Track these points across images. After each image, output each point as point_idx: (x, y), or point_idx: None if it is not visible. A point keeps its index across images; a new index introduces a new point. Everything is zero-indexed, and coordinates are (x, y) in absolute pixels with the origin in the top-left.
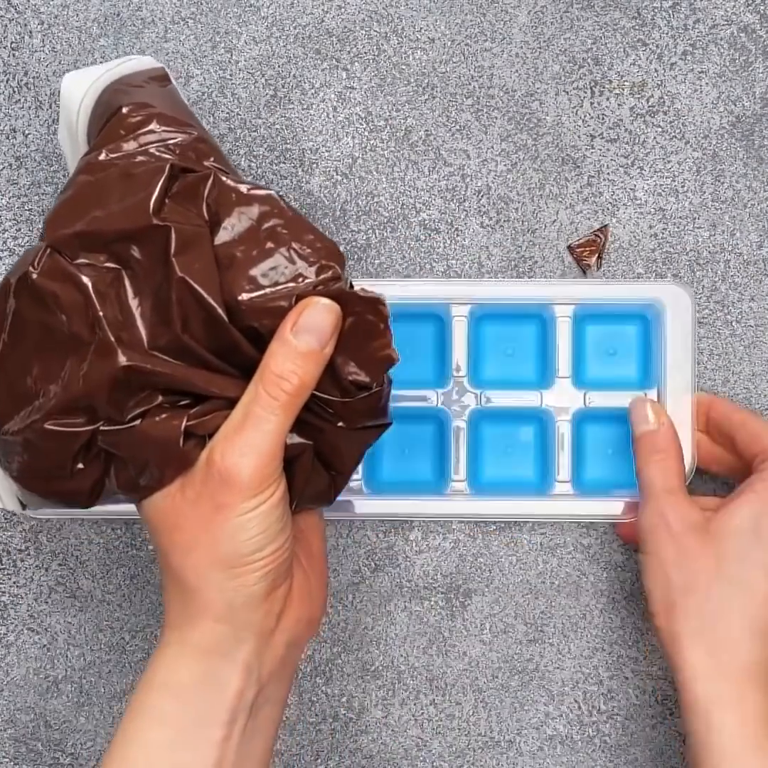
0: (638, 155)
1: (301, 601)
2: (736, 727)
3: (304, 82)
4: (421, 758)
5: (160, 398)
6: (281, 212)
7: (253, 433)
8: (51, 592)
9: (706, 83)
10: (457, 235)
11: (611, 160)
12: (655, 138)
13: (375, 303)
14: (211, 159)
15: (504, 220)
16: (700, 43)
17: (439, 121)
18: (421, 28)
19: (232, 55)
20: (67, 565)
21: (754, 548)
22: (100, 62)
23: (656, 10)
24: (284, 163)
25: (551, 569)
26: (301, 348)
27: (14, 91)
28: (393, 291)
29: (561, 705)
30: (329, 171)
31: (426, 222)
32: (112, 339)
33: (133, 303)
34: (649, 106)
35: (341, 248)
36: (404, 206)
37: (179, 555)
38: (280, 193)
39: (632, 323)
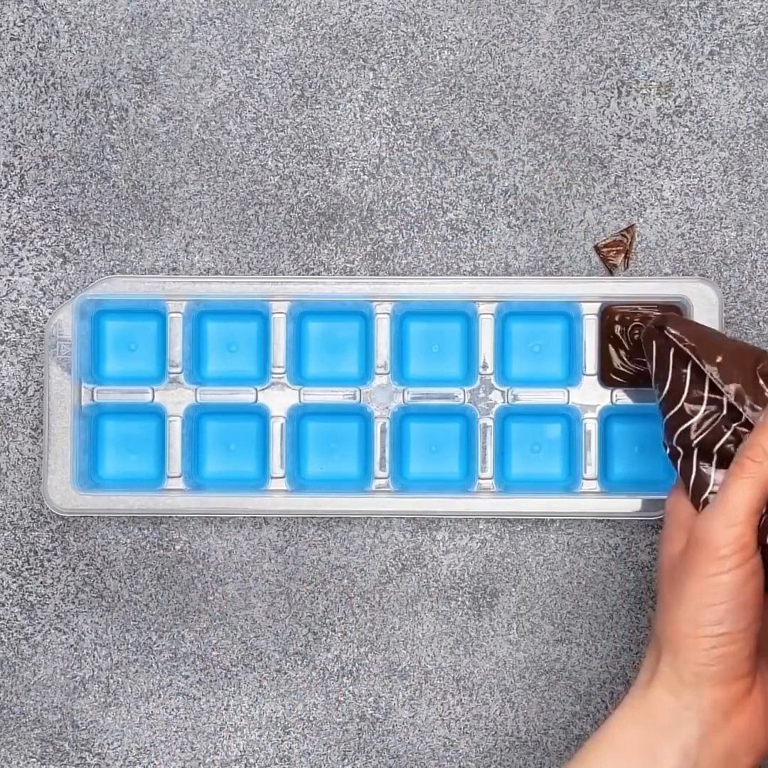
0: (665, 155)
1: (760, 716)
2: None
3: (331, 82)
4: (448, 758)
5: None
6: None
7: (728, 498)
8: (78, 592)
9: (733, 83)
10: (484, 235)
11: (638, 160)
12: (682, 138)
13: None
14: None
15: (531, 220)
16: (727, 43)
17: (466, 121)
18: (448, 28)
19: (259, 55)
20: (94, 565)
21: None
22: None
23: (683, 10)
24: (311, 163)
25: (578, 569)
26: None
27: (41, 91)
28: (421, 289)
29: (588, 705)
30: (356, 171)
31: (453, 222)
32: None
33: None
34: (676, 106)
35: (368, 248)
36: (431, 206)
37: (660, 611)
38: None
39: None
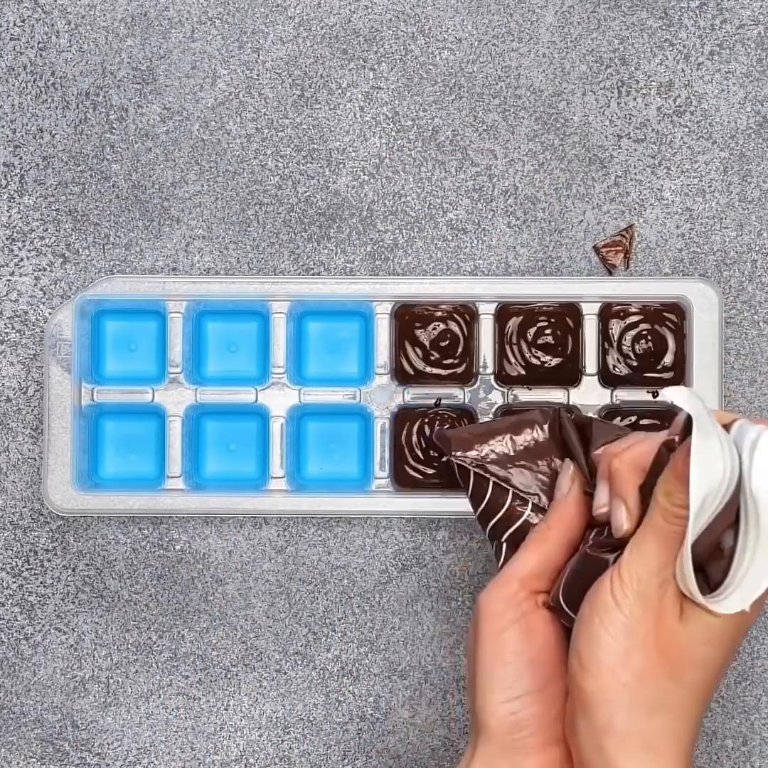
0: (665, 155)
1: None
2: None
3: (331, 82)
4: (448, 758)
5: None
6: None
7: (504, 566)
8: (78, 592)
9: (733, 83)
10: (484, 235)
11: (638, 160)
12: (682, 138)
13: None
14: None
15: (531, 220)
16: (727, 43)
17: (466, 121)
18: (448, 28)
19: (259, 55)
20: (94, 565)
21: None
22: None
23: (683, 10)
24: (311, 163)
25: None
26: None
27: (41, 91)
28: (421, 289)
29: None
30: (356, 171)
31: (453, 222)
32: None
33: None
34: (676, 106)
35: (368, 248)
36: (431, 206)
37: (468, 692)
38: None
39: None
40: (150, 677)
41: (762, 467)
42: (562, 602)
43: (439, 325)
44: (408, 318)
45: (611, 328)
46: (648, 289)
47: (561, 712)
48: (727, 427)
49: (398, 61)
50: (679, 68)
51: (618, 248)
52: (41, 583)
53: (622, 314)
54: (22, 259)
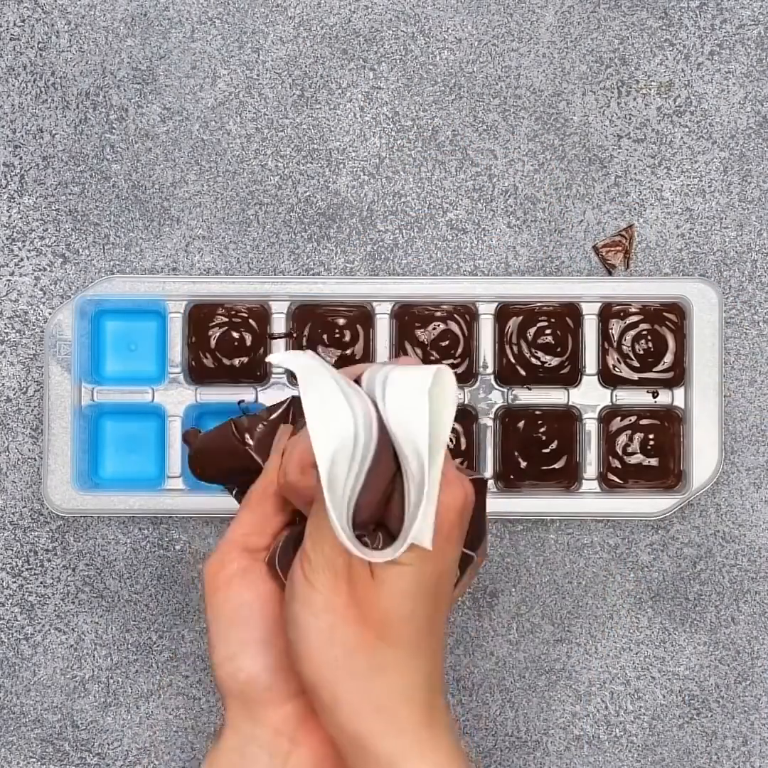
0: (665, 155)
1: (325, 744)
2: None
3: (331, 82)
4: None
5: None
6: None
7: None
8: (78, 592)
9: (733, 83)
10: (484, 235)
11: (638, 160)
12: (682, 138)
13: None
14: None
15: (531, 220)
16: (727, 43)
17: (466, 121)
18: (448, 28)
19: (259, 55)
20: (94, 565)
21: None
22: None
23: (683, 10)
24: (311, 163)
25: (578, 569)
26: None
27: (41, 91)
28: (421, 289)
29: (588, 705)
30: (356, 171)
31: (453, 222)
32: None
33: None
34: (676, 106)
35: (368, 248)
36: (431, 206)
37: None
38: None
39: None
40: (150, 677)
41: (393, 402)
42: (277, 566)
43: (439, 325)
44: (408, 318)
45: (611, 328)
46: (648, 289)
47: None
48: (359, 381)
49: (398, 61)
50: (679, 68)
51: (618, 248)
52: (41, 583)
53: (622, 314)
54: (22, 259)
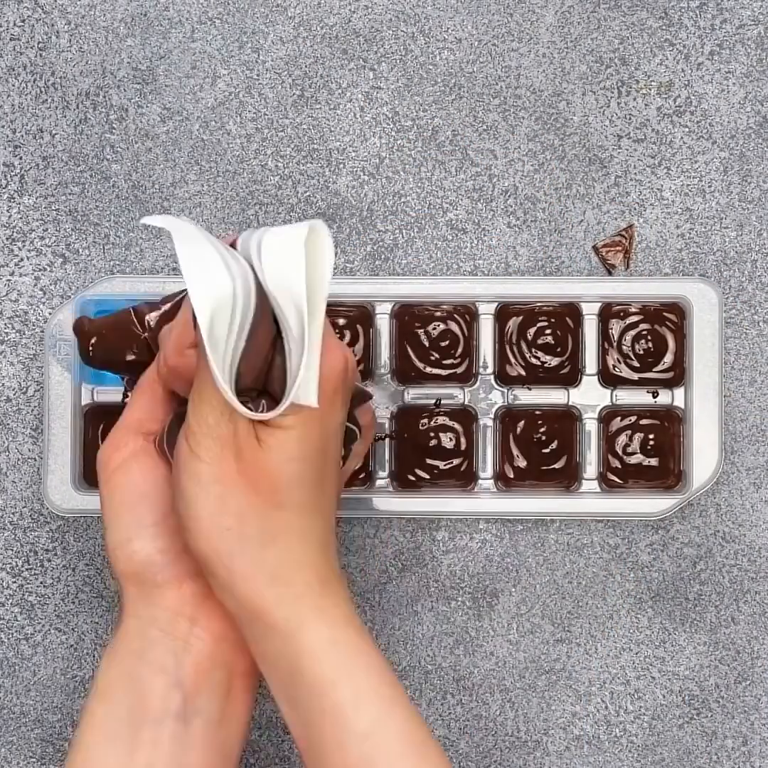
0: (665, 155)
1: (225, 622)
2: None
3: (331, 82)
4: (448, 758)
5: None
6: None
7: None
8: (78, 592)
9: (733, 83)
10: (484, 235)
11: (638, 160)
12: (682, 138)
13: None
14: None
15: (531, 220)
16: (727, 43)
17: (466, 121)
18: (448, 28)
19: (259, 55)
20: (94, 565)
21: None
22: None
23: (683, 10)
24: (311, 163)
25: (578, 569)
26: None
27: (41, 91)
28: (421, 289)
29: (588, 705)
30: (356, 171)
31: (453, 222)
32: None
33: None
34: (676, 106)
35: (368, 248)
36: (431, 206)
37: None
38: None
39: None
40: None
41: (269, 260)
42: (165, 448)
43: (439, 325)
44: (408, 318)
45: (611, 328)
46: (648, 289)
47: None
48: (233, 246)
49: (398, 61)
50: (679, 68)
51: (618, 248)
52: (41, 583)
53: (622, 314)
54: (22, 259)
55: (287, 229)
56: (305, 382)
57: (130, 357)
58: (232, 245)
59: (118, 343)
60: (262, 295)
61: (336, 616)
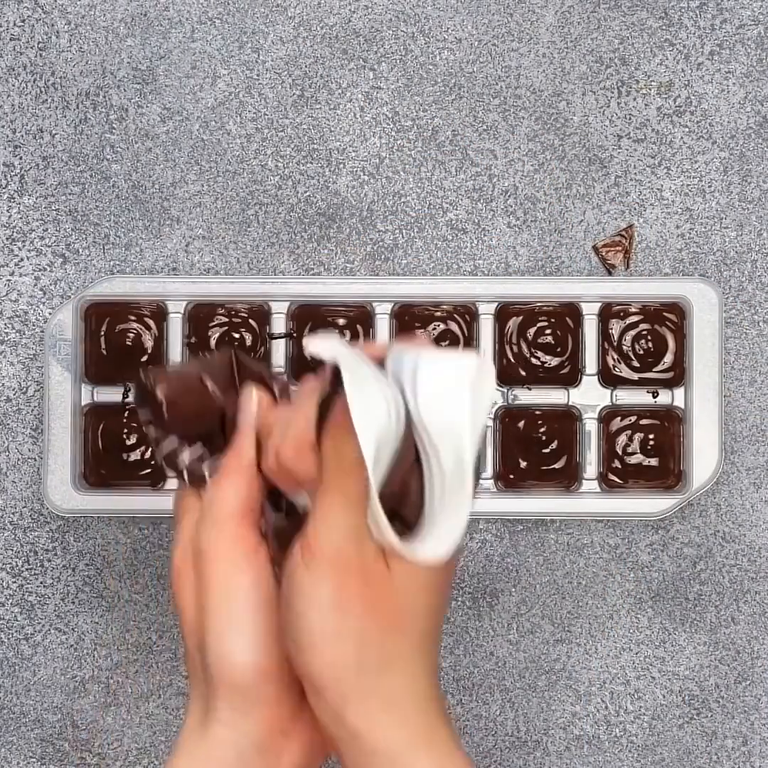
0: (665, 155)
1: (315, 732)
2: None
3: (331, 82)
4: None
5: None
6: None
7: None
8: (78, 592)
9: (733, 83)
10: (484, 235)
11: (638, 160)
12: (682, 138)
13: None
14: None
15: (531, 220)
16: (727, 43)
17: (466, 121)
18: (448, 29)
19: (259, 55)
20: (94, 565)
21: None
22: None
23: (683, 10)
24: (311, 163)
25: (578, 569)
26: None
27: (41, 91)
28: (421, 289)
29: (588, 705)
30: (356, 171)
31: (453, 222)
32: None
33: None
34: (676, 106)
35: (368, 248)
36: (431, 206)
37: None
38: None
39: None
40: (150, 677)
41: (427, 398)
42: (275, 546)
43: (439, 325)
44: (408, 318)
45: (611, 328)
46: (648, 289)
47: (285, 659)
48: (381, 362)
49: (398, 61)
50: (679, 68)
51: (618, 248)
52: (41, 583)
53: (622, 314)
54: (22, 259)
55: (448, 361)
56: (445, 533)
57: (206, 427)
58: (381, 362)
59: (194, 409)
60: (409, 421)
61: (439, 744)
